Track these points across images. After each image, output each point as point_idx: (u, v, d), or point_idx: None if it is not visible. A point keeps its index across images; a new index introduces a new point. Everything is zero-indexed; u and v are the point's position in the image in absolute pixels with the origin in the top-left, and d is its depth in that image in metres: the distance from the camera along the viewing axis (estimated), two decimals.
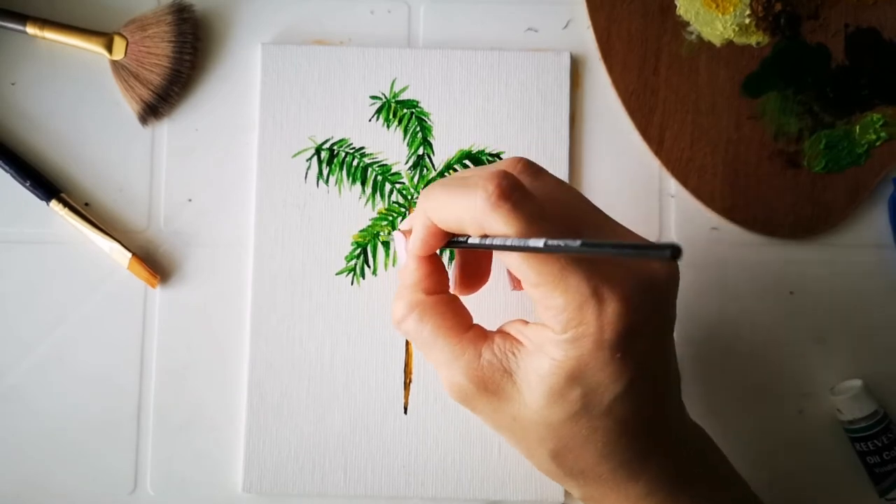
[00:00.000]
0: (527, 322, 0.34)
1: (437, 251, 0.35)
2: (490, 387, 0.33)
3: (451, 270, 0.37)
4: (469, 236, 0.33)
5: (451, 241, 0.34)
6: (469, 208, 0.31)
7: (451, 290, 0.37)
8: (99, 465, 0.44)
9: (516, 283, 0.38)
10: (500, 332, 0.34)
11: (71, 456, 0.44)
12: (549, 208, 0.32)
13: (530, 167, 0.34)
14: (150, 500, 0.44)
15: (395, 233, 0.38)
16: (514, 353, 0.33)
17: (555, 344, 0.31)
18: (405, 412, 0.44)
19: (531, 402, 0.32)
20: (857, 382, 0.44)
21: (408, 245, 0.35)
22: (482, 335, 0.34)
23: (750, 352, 0.45)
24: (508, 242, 0.30)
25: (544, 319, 0.32)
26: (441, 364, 0.34)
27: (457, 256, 0.37)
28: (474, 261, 0.38)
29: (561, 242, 0.27)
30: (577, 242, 0.26)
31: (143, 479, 0.44)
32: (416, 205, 0.35)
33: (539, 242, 0.28)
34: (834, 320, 0.45)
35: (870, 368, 0.45)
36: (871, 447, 0.43)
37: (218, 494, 0.44)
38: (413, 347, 0.44)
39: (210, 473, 0.44)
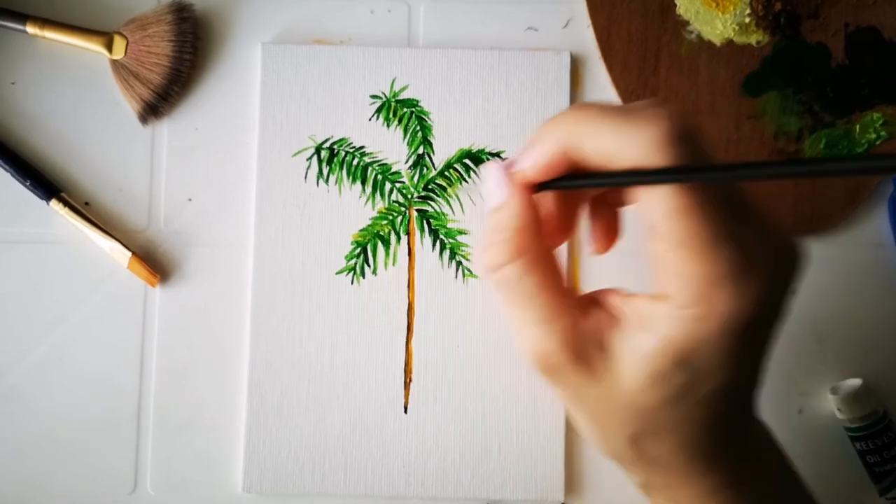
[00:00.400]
0: (627, 293, 0.30)
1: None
2: (581, 359, 0.30)
3: (585, 231, 0.34)
4: (605, 179, 0.29)
5: (570, 175, 0.30)
6: (639, 139, 0.27)
7: (592, 252, 0.35)
8: (99, 465, 0.44)
9: (600, 243, 0.35)
10: (598, 300, 0.31)
11: (71, 456, 0.44)
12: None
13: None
14: (150, 499, 0.44)
15: (489, 165, 0.31)
16: (614, 327, 0.30)
17: (672, 319, 0.28)
18: (405, 412, 0.44)
19: (626, 382, 0.29)
20: (857, 382, 0.44)
21: (517, 173, 0.31)
22: (580, 301, 0.31)
23: None
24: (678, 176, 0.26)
25: (668, 288, 0.28)
26: (531, 324, 0.30)
27: (590, 212, 0.34)
28: (609, 216, 0.34)
29: (772, 163, 0.23)
30: (797, 162, 0.22)
31: (143, 479, 0.44)
32: (546, 126, 0.30)
33: (721, 167, 0.24)
34: (834, 320, 0.45)
35: (870, 368, 0.45)
36: (870, 446, 0.43)
37: (218, 494, 0.44)
38: (413, 346, 0.44)
39: (210, 473, 0.44)
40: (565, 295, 0.31)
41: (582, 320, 0.30)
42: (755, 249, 0.28)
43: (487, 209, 0.32)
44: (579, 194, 0.33)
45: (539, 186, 0.31)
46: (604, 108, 0.29)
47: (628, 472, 0.33)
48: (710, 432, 0.30)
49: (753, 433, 0.33)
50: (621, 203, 0.33)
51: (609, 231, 0.35)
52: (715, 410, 0.30)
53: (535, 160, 0.30)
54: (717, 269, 0.27)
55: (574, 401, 0.31)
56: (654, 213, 0.28)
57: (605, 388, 0.30)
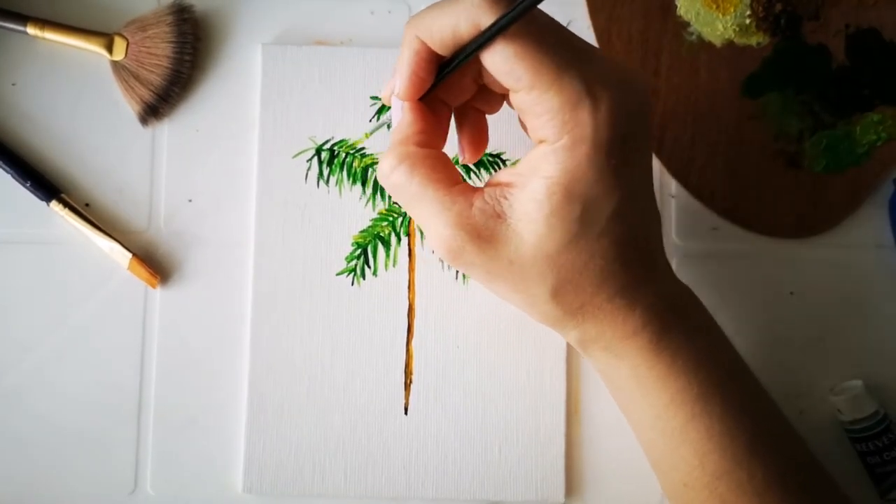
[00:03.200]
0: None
1: (432, 109, 0.35)
2: (483, 234, 0.32)
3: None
4: (458, 57, 0.32)
5: (441, 66, 0.33)
6: (465, 8, 0.31)
7: (462, 161, 0.38)
8: (99, 466, 0.44)
9: (468, 151, 0.38)
10: (489, 183, 0.34)
11: (71, 456, 0.44)
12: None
13: None
14: (150, 500, 0.44)
15: (392, 98, 0.34)
16: (505, 197, 0.32)
17: (551, 155, 0.31)
18: (405, 413, 0.44)
19: (529, 235, 0.32)
20: (858, 383, 0.44)
21: (398, 89, 0.34)
22: (472, 188, 0.34)
23: (750, 352, 0.45)
24: (500, 24, 0.30)
25: (538, 129, 0.31)
26: (429, 217, 0.33)
27: (458, 124, 0.38)
28: (476, 123, 0.38)
29: None
30: None
31: (143, 480, 0.44)
32: (402, 41, 0.33)
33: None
34: (834, 320, 0.45)
35: (870, 368, 0.45)
36: (871, 448, 0.43)
37: (218, 495, 0.44)
38: (413, 347, 0.44)
39: (210, 474, 0.44)
40: (457, 184, 0.33)
41: (478, 200, 0.33)
42: (600, 76, 0.31)
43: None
44: (448, 101, 0.36)
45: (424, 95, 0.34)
46: (430, 5, 0.33)
47: (563, 331, 0.35)
48: (621, 265, 0.33)
49: (672, 276, 0.36)
50: (489, 107, 0.37)
51: (475, 139, 0.38)
52: (618, 239, 0.32)
53: (403, 70, 0.33)
54: (569, 96, 0.30)
55: (490, 274, 0.34)
56: (502, 70, 0.31)
57: (512, 249, 0.32)
